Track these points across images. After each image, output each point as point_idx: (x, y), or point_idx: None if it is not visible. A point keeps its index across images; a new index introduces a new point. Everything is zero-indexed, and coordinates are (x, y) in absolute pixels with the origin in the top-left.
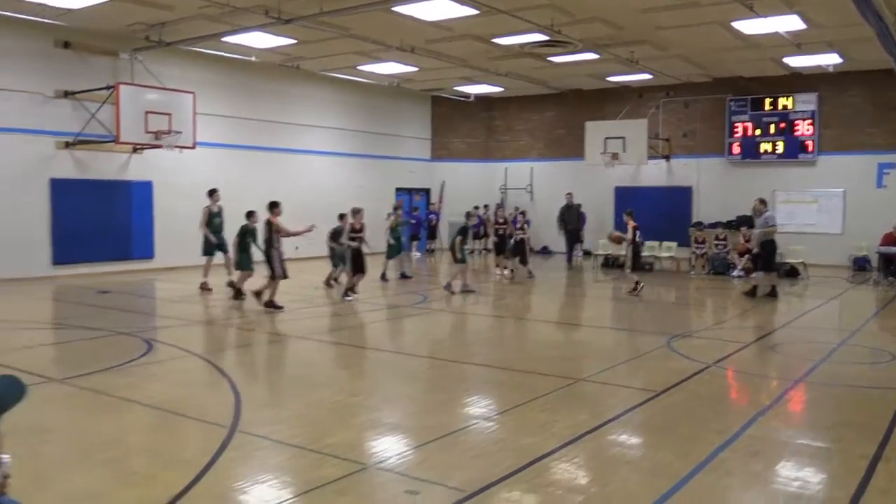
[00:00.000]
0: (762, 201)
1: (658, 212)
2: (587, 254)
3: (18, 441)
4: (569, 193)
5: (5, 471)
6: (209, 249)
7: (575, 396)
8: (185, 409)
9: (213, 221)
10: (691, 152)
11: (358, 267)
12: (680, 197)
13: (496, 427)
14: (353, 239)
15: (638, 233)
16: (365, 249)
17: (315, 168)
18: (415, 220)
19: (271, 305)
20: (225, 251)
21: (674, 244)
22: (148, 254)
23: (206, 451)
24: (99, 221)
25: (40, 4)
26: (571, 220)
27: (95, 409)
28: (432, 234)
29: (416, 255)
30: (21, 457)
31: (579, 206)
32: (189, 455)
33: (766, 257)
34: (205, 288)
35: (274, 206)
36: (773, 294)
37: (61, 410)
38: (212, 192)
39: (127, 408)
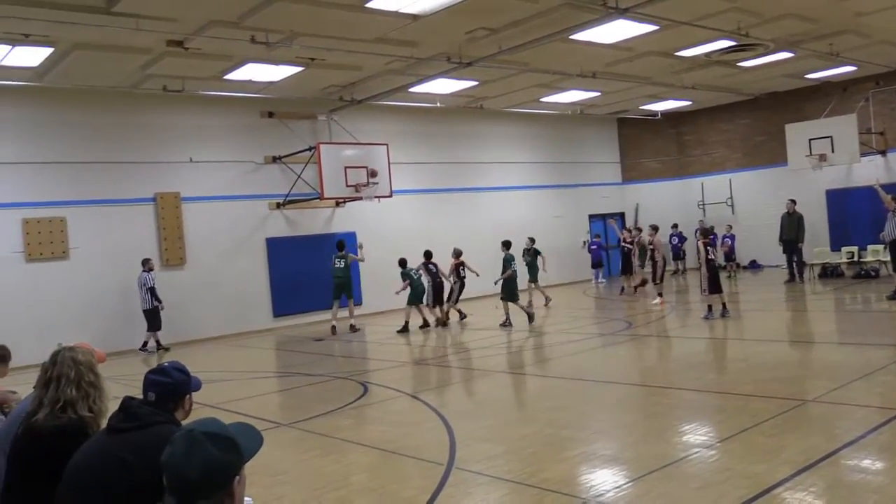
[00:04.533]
0: None
1: (879, 212)
2: (801, 265)
3: (256, 482)
4: (790, 201)
5: None
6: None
7: (804, 419)
8: (403, 447)
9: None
10: None
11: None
12: None
13: (720, 455)
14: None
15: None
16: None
17: (507, 203)
18: (595, 246)
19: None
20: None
21: None
22: (357, 300)
23: (426, 489)
24: (310, 273)
25: (247, 81)
26: (789, 229)
27: (321, 450)
28: (627, 260)
29: (601, 282)
30: (259, 498)
31: (800, 215)
32: (410, 493)
33: None
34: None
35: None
36: None
37: (292, 453)
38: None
39: (349, 448)
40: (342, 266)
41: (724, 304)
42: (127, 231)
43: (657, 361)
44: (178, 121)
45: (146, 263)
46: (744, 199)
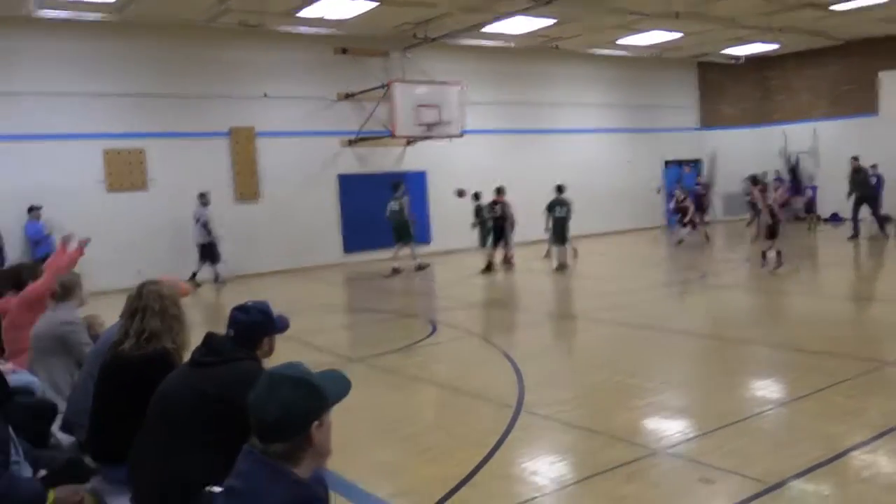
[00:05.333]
0: None
1: None
2: (885, 219)
3: None
4: (853, 158)
5: None
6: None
7: (885, 381)
8: (471, 388)
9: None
10: None
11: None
12: None
13: (795, 413)
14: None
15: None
16: None
17: (579, 146)
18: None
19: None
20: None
21: None
22: (425, 239)
23: (495, 431)
24: (381, 211)
25: (319, 18)
26: (862, 186)
27: (390, 387)
28: (700, 206)
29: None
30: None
31: (864, 169)
32: (479, 434)
33: None
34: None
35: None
36: None
37: (361, 389)
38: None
39: (418, 386)
40: (397, 209)
41: (764, 253)
42: (202, 164)
43: (728, 313)
44: (253, 56)
45: (202, 197)
46: (827, 150)
